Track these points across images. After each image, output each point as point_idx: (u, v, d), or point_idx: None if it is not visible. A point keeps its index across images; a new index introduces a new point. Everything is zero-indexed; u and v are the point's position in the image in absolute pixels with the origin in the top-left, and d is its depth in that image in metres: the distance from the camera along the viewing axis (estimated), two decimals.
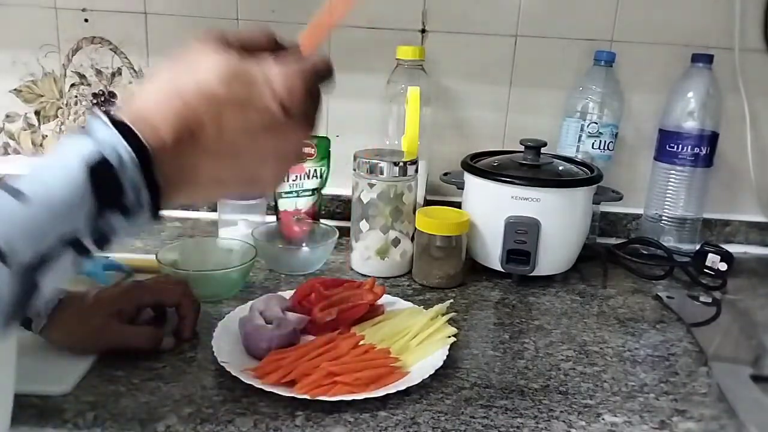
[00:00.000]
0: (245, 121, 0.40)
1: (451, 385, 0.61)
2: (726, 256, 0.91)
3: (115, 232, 0.38)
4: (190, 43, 0.42)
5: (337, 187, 1.00)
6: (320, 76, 0.43)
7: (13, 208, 0.35)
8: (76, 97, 1.07)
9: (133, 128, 0.37)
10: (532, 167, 0.87)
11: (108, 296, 0.64)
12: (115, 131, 0.37)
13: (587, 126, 0.97)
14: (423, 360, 0.63)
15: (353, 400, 0.56)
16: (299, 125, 0.42)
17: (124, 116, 0.38)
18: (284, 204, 0.95)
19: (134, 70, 1.05)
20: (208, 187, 0.42)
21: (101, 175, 0.36)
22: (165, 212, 0.40)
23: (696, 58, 0.96)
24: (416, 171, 0.87)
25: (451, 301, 0.77)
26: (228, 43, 0.41)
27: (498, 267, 0.86)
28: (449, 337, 0.67)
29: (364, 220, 0.87)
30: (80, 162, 0.36)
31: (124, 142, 0.36)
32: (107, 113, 0.38)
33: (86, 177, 0.36)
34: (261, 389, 0.56)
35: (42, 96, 1.07)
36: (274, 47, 0.44)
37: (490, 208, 0.86)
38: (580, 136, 0.98)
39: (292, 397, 0.56)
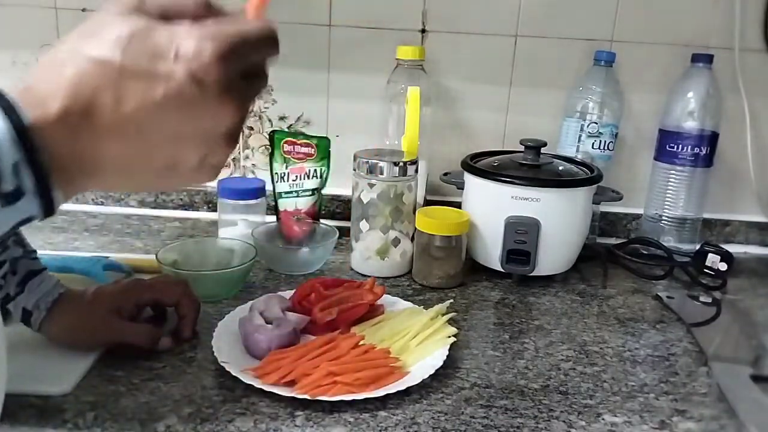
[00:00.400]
0: (147, 92, 0.33)
1: (451, 385, 0.61)
2: (726, 256, 0.91)
3: None
4: (101, 5, 0.35)
5: (337, 187, 1.00)
6: (253, 40, 0.35)
7: None
8: None
9: (9, 99, 0.32)
10: (532, 167, 0.87)
11: (107, 293, 0.64)
12: None
13: (587, 126, 0.97)
14: (423, 360, 0.63)
15: (353, 400, 0.56)
16: (221, 99, 0.35)
17: (6, 89, 0.33)
18: (284, 204, 0.95)
19: None
20: (117, 172, 0.36)
21: None
22: (62, 203, 0.35)
23: (696, 58, 0.96)
24: (416, 171, 0.87)
25: (451, 301, 0.77)
26: (142, 8, 0.35)
27: (498, 267, 0.86)
28: (449, 337, 0.67)
29: (364, 220, 0.87)
30: None
31: (2, 117, 0.31)
32: None
33: None
34: (261, 389, 0.56)
35: None
36: (205, 14, 0.36)
37: (490, 208, 0.86)
38: (580, 136, 0.98)
39: (292, 397, 0.56)
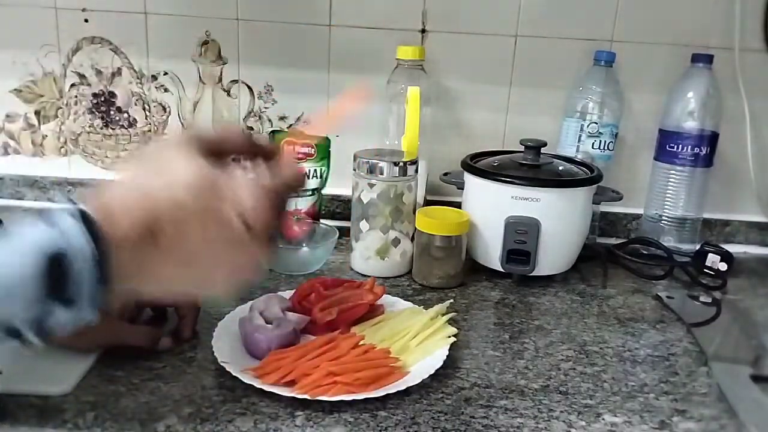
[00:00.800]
0: (207, 233, 0.41)
1: (451, 385, 0.61)
2: (726, 256, 0.91)
3: (57, 322, 0.39)
4: (164, 141, 0.44)
5: (337, 187, 1.00)
6: (292, 190, 0.45)
7: None
8: (76, 97, 1.07)
9: (96, 222, 0.38)
10: (532, 167, 0.87)
11: None
12: (80, 224, 0.37)
13: (587, 126, 0.97)
14: (423, 360, 0.63)
15: (353, 400, 0.56)
16: (259, 241, 0.43)
17: (89, 207, 0.39)
18: None
19: (134, 70, 1.05)
20: (157, 284, 0.43)
21: (56, 267, 0.36)
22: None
23: (696, 58, 0.96)
24: (416, 171, 0.87)
25: (451, 301, 0.77)
26: (201, 146, 0.43)
27: (498, 267, 0.86)
28: (449, 337, 0.67)
29: (364, 220, 0.87)
30: (36, 251, 0.36)
31: (87, 236, 0.37)
32: (74, 201, 0.40)
33: (41, 267, 0.36)
34: (261, 389, 0.56)
35: (42, 96, 1.07)
36: (250, 149, 0.46)
37: (490, 208, 0.86)
38: (580, 136, 0.98)
39: (292, 397, 0.56)
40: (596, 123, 0.97)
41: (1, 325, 0.36)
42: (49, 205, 1.07)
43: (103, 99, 1.07)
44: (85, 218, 0.38)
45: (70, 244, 0.37)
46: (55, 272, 0.36)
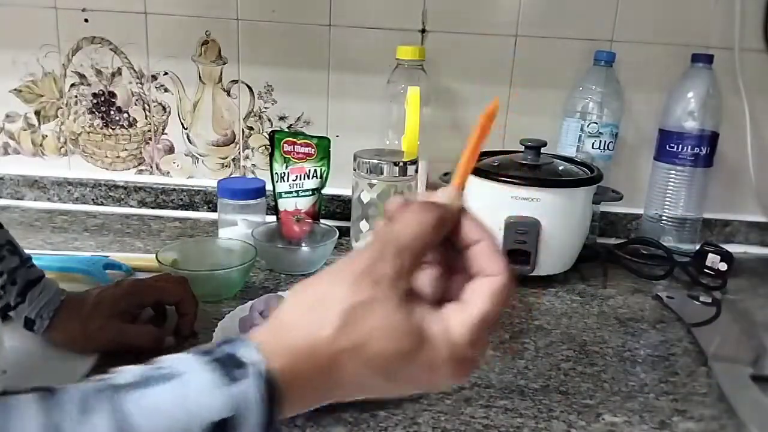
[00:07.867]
0: (409, 375, 0.36)
1: (450, 385, 0.61)
2: (726, 256, 0.91)
3: None
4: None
5: (337, 187, 1.00)
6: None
7: None
8: (76, 97, 1.07)
9: (280, 391, 0.32)
10: (532, 167, 0.87)
11: (110, 296, 0.64)
12: (261, 392, 0.31)
13: (587, 126, 0.97)
14: None
15: (353, 400, 0.56)
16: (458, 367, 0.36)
17: (279, 377, 0.32)
18: (284, 204, 0.95)
19: (134, 70, 1.05)
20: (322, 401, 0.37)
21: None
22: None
23: (696, 58, 0.96)
24: (416, 171, 0.87)
25: None
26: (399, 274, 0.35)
27: None
28: None
29: (364, 220, 0.87)
30: (205, 420, 0.30)
31: (264, 406, 0.31)
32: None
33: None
34: None
35: (42, 96, 1.07)
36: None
37: (490, 208, 0.86)
38: (580, 136, 0.98)
39: None
40: (596, 123, 0.97)
41: None
42: (48, 205, 1.07)
43: (103, 99, 1.07)
44: (269, 383, 0.32)
45: (242, 413, 0.31)
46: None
